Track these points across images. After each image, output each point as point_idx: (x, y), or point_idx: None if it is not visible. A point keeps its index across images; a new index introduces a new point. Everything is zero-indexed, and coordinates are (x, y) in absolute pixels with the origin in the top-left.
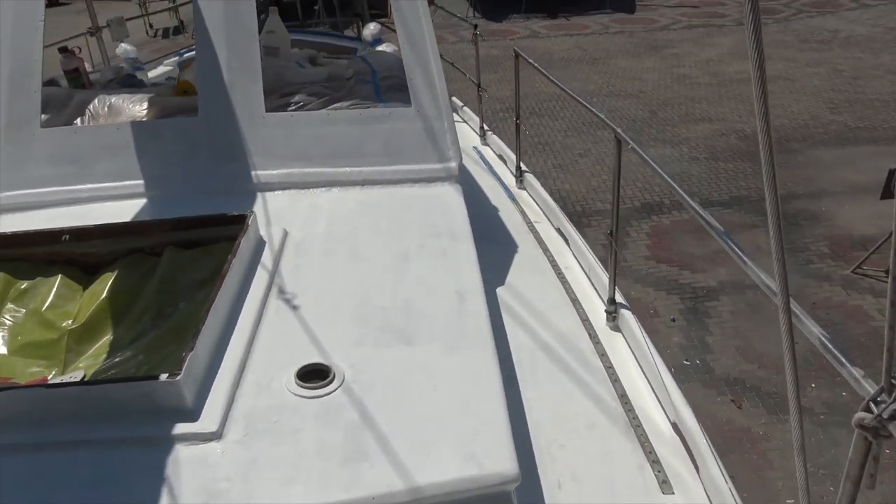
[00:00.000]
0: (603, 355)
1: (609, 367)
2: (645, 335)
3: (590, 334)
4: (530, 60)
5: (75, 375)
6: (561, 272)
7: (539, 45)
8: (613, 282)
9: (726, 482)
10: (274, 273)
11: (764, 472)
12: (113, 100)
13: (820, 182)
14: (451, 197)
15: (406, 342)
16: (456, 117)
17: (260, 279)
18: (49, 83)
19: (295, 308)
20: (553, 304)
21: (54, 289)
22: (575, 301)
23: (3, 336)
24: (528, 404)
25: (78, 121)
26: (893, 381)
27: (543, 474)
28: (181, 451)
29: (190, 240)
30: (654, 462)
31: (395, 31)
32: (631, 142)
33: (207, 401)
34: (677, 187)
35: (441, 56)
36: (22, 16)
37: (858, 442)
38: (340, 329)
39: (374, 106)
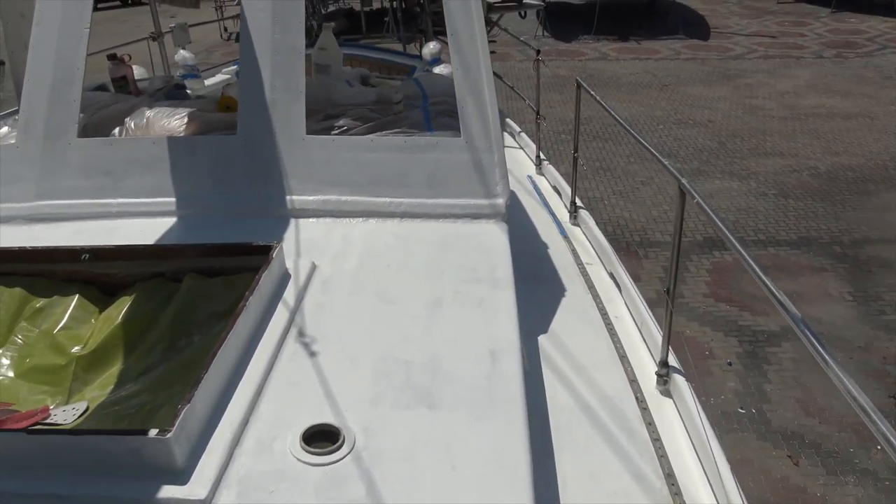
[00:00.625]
0: (650, 424)
1: (656, 440)
2: (698, 405)
3: (637, 397)
4: (592, 93)
5: (77, 407)
6: (610, 322)
7: (607, 68)
8: (667, 342)
9: None
10: (295, 311)
11: None
12: (153, 112)
13: None
14: (495, 237)
15: (428, 405)
16: (512, 142)
17: (279, 318)
18: (99, 88)
19: (312, 354)
20: (599, 358)
21: (69, 310)
22: (623, 358)
23: (11, 357)
24: (563, 476)
25: (116, 131)
26: None
27: None
28: None
29: (213, 268)
30: None
31: None
32: (696, 195)
33: (201, 461)
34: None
35: (500, 78)
36: (68, 22)
37: None
38: (358, 383)
39: (422, 133)
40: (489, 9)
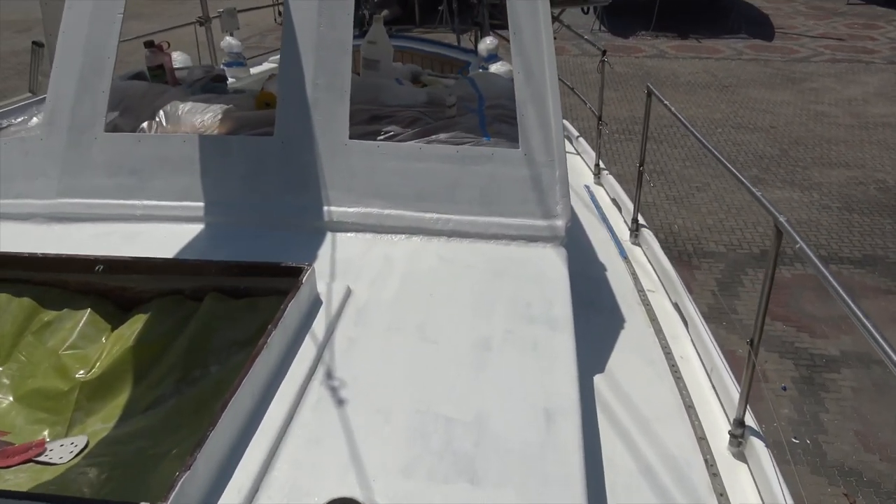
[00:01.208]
0: (721, 495)
1: None
2: (779, 475)
3: (706, 459)
4: (665, 102)
5: (77, 443)
6: (675, 364)
7: (665, 66)
8: (746, 398)
9: None
10: (323, 347)
11: None
12: (186, 107)
13: None
14: (553, 265)
15: (469, 479)
16: (569, 147)
17: (305, 354)
18: (137, 76)
19: (340, 403)
20: (662, 408)
21: (79, 326)
22: (690, 408)
23: (12, 376)
24: None
25: (145, 125)
26: None
27: None
28: None
29: (237, 288)
30: None
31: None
32: (797, 237)
33: None
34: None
35: (560, 80)
36: (100, 6)
37: None
38: (390, 444)
39: (477, 140)
40: (550, 2)
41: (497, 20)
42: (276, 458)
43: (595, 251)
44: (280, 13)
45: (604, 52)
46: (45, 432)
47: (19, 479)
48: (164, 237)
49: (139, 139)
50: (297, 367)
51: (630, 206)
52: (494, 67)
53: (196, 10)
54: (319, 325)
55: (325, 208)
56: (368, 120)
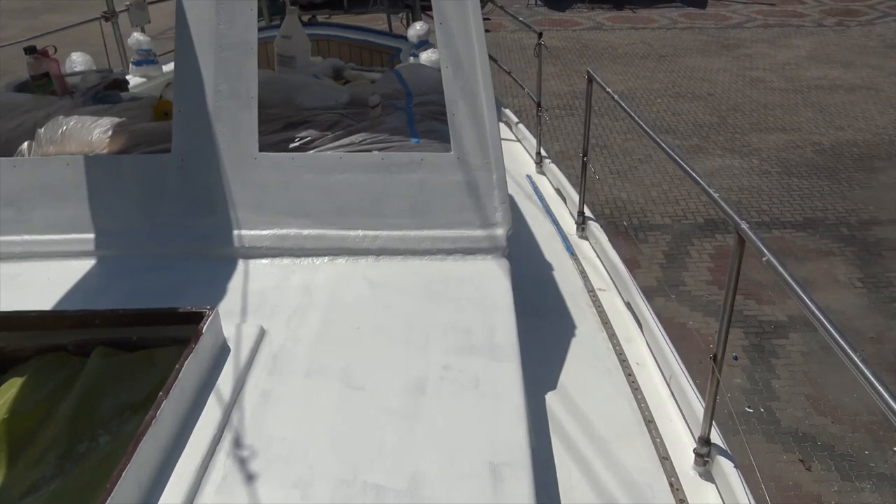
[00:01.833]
0: None
1: None
2: (749, 497)
3: (671, 482)
4: (608, 90)
5: None
6: (631, 372)
7: (602, 38)
8: (711, 416)
9: None
10: (231, 408)
11: None
12: (71, 122)
13: None
14: (494, 280)
15: None
16: (508, 134)
17: (208, 420)
18: (22, 87)
19: (249, 478)
20: (620, 424)
21: None
22: (650, 423)
23: None
24: None
25: (24, 146)
26: None
27: None
28: None
29: (128, 339)
30: None
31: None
32: (765, 250)
33: None
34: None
35: (494, 60)
36: None
37: None
38: None
39: (405, 144)
40: None
41: (430, 3)
42: None
43: (540, 249)
44: None
45: (540, 35)
46: None
47: None
48: (47, 277)
49: (14, 164)
50: (197, 437)
51: (575, 196)
52: (425, 56)
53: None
54: (226, 380)
55: (235, 232)
56: (283, 127)
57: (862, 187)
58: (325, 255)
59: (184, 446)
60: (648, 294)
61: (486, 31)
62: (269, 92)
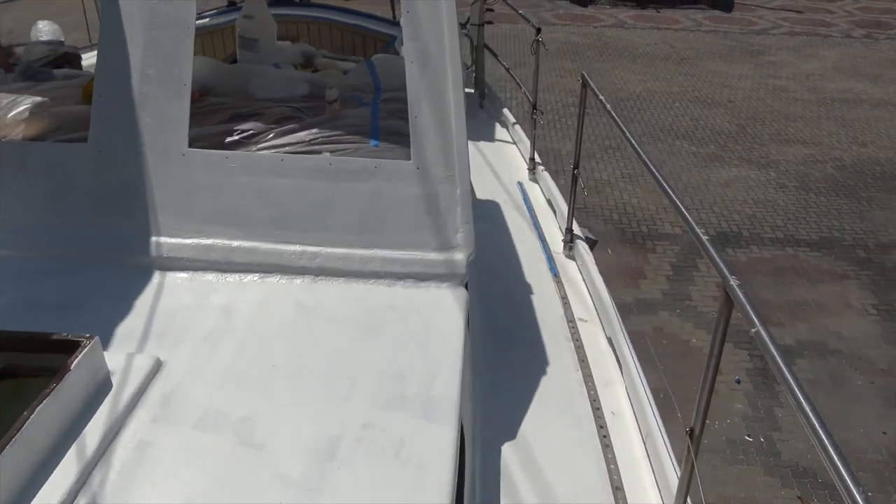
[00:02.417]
0: None
1: None
2: None
3: None
4: (601, 97)
5: None
6: (604, 423)
7: (624, 37)
8: (685, 495)
9: None
10: (95, 464)
11: None
12: None
13: None
14: (446, 313)
15: None
16: (504, 135)
17: (61, 479)
18: None
19: None
20: (584, 491)
21: None
22: (619, 490)
23: None
24: None
25: None
26: None
27: None
28: None
29: None
30: None
31: (460, 22)
32: (757, 322)
33: None
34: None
35: (492, 53)
36: None
37: None
38: None
39: (361, 147)
40: None
41: None
42: None
43: (521, 267)
44: None
45: (538, 31)
46: None
47: None
48: None
49: None
50: (41, 502)
51: (566, 209)
52: None
53: None
54: (96, 427)
55: (153, 239)
56: (228, 119)
57: (882, 208)
58: (254, 272)
59: None
60: (652, 307)
61: (503, 18)
62: (219, 78)
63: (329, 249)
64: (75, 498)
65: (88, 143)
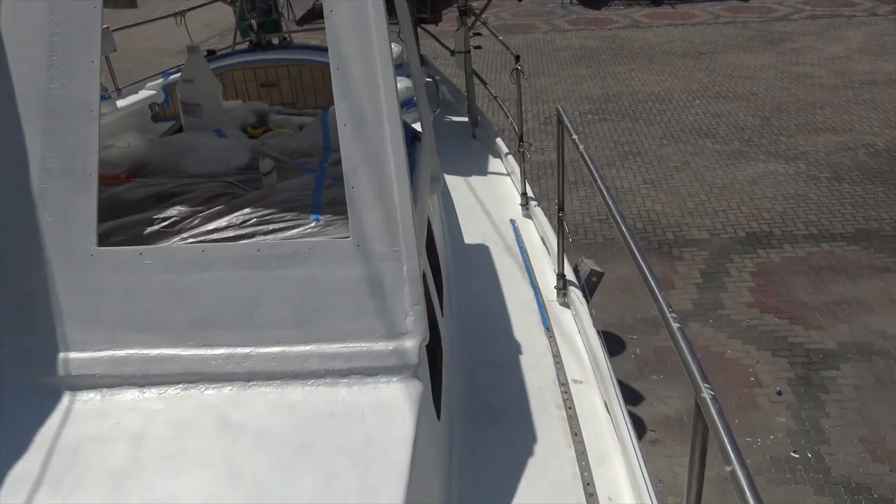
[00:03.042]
0: None
1: None
2: None
3: None
4: (570, 128)
5: None
6: None
7: (639, 37)
8: None
9: None
10: None
11: None
12: None
13: None
14: (395, 417)
15: None
16: (498, 167)
17: None
18: None
19: None
20: None
21: None
22: None
23: None
24: None
25: None
26: None
27: None
28: None
29: None
30: None
31: (448, 48)
32: (734, 461)
33: None
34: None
35: (481, 81)
36: None
37: None
38: None
39: (299, 222)
40: None
41: (423, 13)
42: None
43: (510, 322)
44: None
45: (517, 58)
46: None
47: None
48: None
49: None
50: None
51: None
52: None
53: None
54: None
55: (60, 355)
56: (156, 199)
57: None
58: (175, 384)
59: None
60: (683, 319)
61: (518, 29)
62: (150, 155)
63: (260, 349)
64: None
65: None
